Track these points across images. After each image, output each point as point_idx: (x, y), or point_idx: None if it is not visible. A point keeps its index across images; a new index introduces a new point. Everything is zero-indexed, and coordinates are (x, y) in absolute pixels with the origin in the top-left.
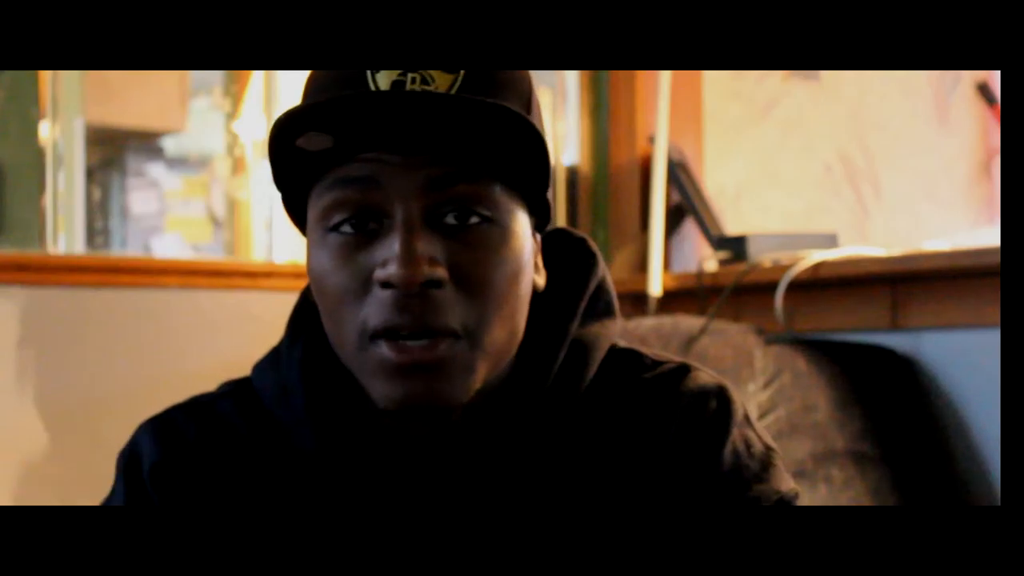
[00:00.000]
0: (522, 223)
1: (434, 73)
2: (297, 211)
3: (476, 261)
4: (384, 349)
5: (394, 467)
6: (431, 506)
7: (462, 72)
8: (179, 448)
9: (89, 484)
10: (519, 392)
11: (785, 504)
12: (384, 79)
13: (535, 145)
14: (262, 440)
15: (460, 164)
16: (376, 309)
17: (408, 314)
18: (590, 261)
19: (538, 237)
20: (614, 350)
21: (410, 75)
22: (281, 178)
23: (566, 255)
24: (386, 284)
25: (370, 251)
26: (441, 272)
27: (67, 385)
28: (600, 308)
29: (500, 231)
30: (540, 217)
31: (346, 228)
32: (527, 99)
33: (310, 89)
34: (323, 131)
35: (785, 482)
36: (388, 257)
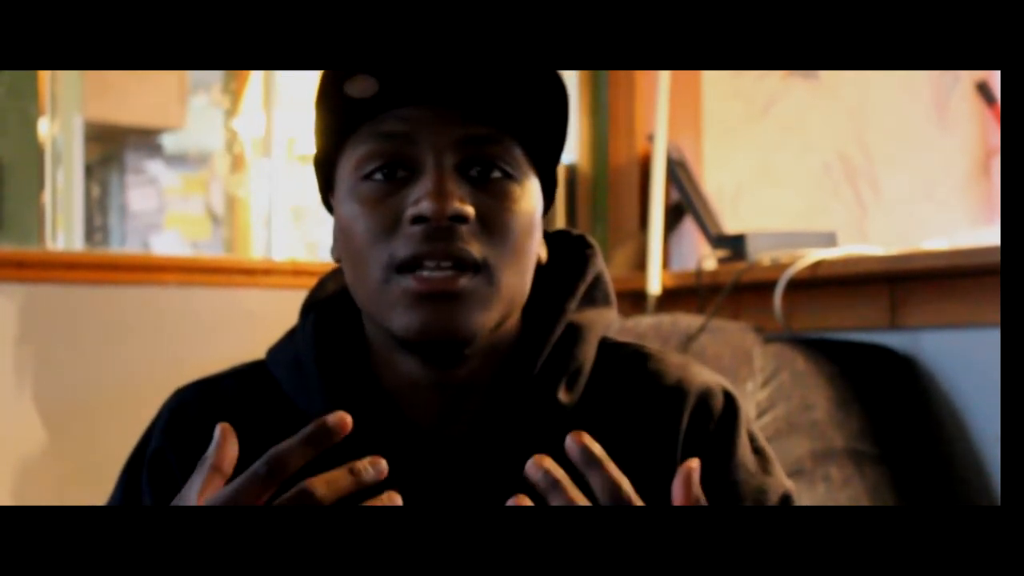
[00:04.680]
0: (535, 187)
1: None
2: (326, 175)
3: (498, 207)
4: (407, 280)
5: (401, 437)
6: (437, 476)
7: None
8: (181, 431)
9: (87, 480)
10: (517, 369)
11: (788, 499)
12: None
13: (559, 110)
14: (264, 411)
15: (489, 124)
16: (405, 242)
17: (436, 244)
18: (588, 252)
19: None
20: (605, 343)
21: None
22: (320, 133)
23: (567, 249)
24: (417, 219)
25: (401, 195)
26: (469, 208)
27: (65, 382)
28: (599, 297)
29: (519, 187)
30: (546, 197)
31: (378, 176)
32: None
33: None
34: (371, 75)
35: (785, 477)
36: (420, 195)
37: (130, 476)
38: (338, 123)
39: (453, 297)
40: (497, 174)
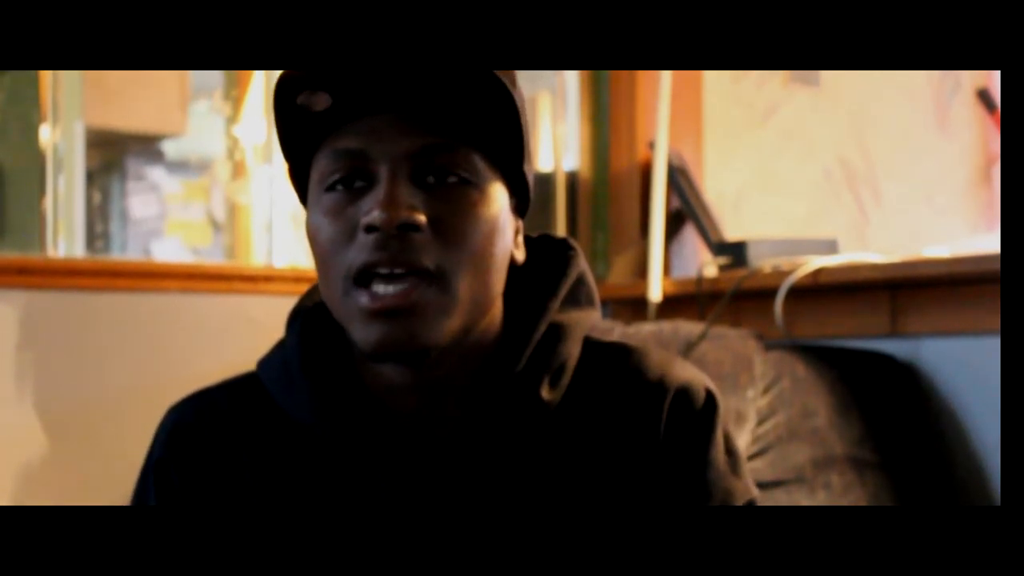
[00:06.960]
0: (499, 191)
1: None
2: (301, 185)
3: (453, 213)
4: (361, 297)
5: (386, 436)
6: (422, 474)
7: None
8: (180, 447)
9: (88, 487)
10: (499, 367)
11: (752, 503)
12: None
13: (511, 115)
14: (256, 422)
15: (445, 133)
16: (358, 251)
17: (386, 252)
18: (570, 254)
19: (519, 223)
20: (589, 341)
21: None
22: (287, 147)
23: (549, 251)
24: (369, 227)
25: (358, 205)
26: (420, 216)
27: (66, 389)
28: (582, 298)
29: (477, 192)
30: (520, 199)
31: (339, 187)
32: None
33: None
34: (323, 89)
35: (753, 484)
36: (372, 205)
37: (140, 492)
38: (299, 138)
39: (406, 312)
40: (454, 179)
